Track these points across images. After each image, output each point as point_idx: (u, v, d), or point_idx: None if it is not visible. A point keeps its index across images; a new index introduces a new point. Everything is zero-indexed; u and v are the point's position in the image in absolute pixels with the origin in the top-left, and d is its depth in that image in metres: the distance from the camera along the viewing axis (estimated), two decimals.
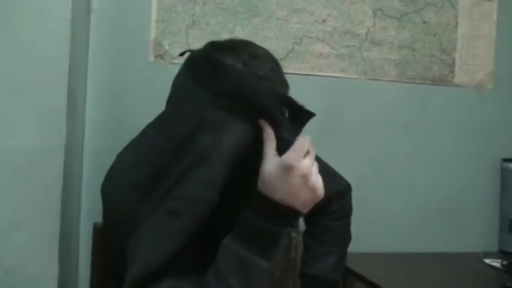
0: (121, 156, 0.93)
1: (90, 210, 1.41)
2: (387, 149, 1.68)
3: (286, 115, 0.82)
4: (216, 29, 1.53)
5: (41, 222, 1.15)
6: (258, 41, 1.51)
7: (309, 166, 0.79)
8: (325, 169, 1.21)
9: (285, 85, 0.93)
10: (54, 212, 1.16)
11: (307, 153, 0.80)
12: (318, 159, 1.19)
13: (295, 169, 0.78)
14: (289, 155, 0.78)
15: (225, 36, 1.50)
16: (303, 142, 0.79)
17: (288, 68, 1.59)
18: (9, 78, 1.12)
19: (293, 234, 0.80)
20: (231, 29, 1.54)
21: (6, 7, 1.12)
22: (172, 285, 0.78)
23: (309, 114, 0.85)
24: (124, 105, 1.46)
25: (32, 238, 1.14)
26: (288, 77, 1.54)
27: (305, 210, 0.82)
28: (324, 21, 1.61)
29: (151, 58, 1.49)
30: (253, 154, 0.80)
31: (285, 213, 0.79)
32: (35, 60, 1.14)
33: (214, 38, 0.95)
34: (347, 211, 1.27)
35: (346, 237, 1.27)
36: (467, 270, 1.52)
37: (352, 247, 1.27)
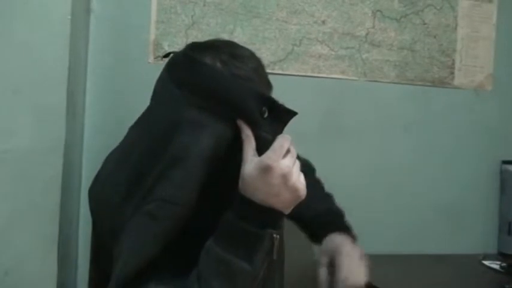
0: (107, 159, 0.93)
1: (89, 211, 1.41)
2: (386, 150, 1.68)
3: (266, 114, 0.80)
4: (216, 30, 1.53)
5: (40, 223, 1.15)
6: (257, 42, 1.55)
7: (288, 166, 0.78)
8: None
9: (268, 85, 0.91)
10: (53, 212, 1.16)
11: (288, 152, 0.79)
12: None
13: (274, 169, 0.77)
14: (268, 155, 0.77)
15: (224, 37, 1.51)
16: (282, 141, 0.79)
17: (288, 69, 1.59)
18: (8, 78, 1.12)
19: (275, 235, 0.79)
20: (231, 30, 1.54)
21: (6, 7, 1.12)
22: None
23: (291, 113, 0.83)
24: (123, 106, 1.46)
25: (30, 238, 1.14)
26: (287, 79, 1.57)
27: (287, 210, 0.81)
28: (323, 22, 1.62)
29: (150, 59, 1.49)
30: (236, 154, 0.80)
31: (266, 215, 0.78)
32: (34, 60, 1.14)
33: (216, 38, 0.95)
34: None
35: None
36: (466, 272, 1.52)
37: None
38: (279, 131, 0.81)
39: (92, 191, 0.92)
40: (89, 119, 1.45)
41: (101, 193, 0.88)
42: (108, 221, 0.83)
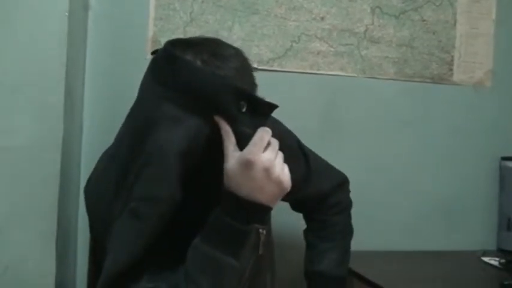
0: (101, 158, 0.94)
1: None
2: (385, 146, 1.68)
3: (244, 109, 0.80)
4: (214, 27, 1.52)
5: (39, 220, 1.15)
6: (256, 39, 1.55)
7: (270, 159, 0.78)
8: (320, 163, 1.21)
9: (252, 85, 0.89)
10: (52, 209, 1.17)
11: (268, 145, 0.79)
12: (312, 154, 1.19)
13: (255, 163, 0.77)
14: (249, 149, 0.77)
15: (223, 33, 1.51)
16: (262, 134, 0.78)
17: (286, 66, 1.59)
18: (6, 76, 1.12)
19: (261, 230, 0.79)
20: (229, 26, 1.54)
21: (4, 4, 1.12)
22: (147, 286, 0.78)
23: (271, 107, 0.83)
24: (122, 103, 1.44)
25: (29, 235, 1.15)
26: (286, 75, 1.58)
27: (273, 204, 0.81)
28: (322, 19, 1.61)
29: (149, 56, 1.48)
30: (217, 149, 0.79)
31: (252, 210, 0.78)
32: (32, 57, 1.14)
33: (213, 36, 0.94)
34: (346, 204, 1.26)
35: (348, 232, 1.25)
36: (466, 269, 1.52)
37: (351, 245, 1.27)
38: (260, 124, 0.81)
39: (86, 190, 0.93)
40: (87, 116, 1.45)
41: (94, 191, 0.89)
42: (101, 218, 0.84)
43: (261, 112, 0.82)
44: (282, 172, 0.80)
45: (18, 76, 1.13)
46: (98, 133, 1.44)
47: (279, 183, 0.79)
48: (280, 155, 0.81)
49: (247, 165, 0.77)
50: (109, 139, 0.96)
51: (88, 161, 1.42)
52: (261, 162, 0.77)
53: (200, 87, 0.78)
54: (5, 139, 1.13)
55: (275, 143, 0.80)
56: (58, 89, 1.17)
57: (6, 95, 1.13)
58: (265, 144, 0.78)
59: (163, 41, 1.48)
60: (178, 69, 0.79)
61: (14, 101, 1.13)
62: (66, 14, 1.17)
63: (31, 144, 1.14)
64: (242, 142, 0.78)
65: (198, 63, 0.81)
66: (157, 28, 1.49)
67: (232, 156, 0.78)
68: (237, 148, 0.79)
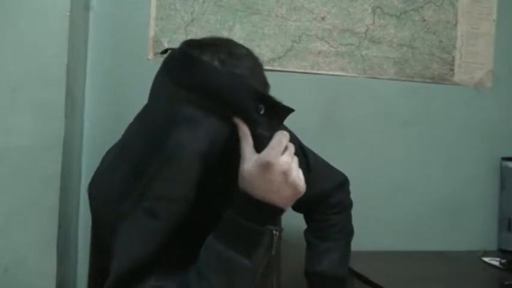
0: (106, 155, 0.94)
1: (88, 207, 1.40)
2: (386, 147, 1.68)
3: (262, 111, 0.80)
4: (216, 27, 1.52)
5: (40, 219, 1.15)
6: (257, 38, 1.55)
7: (288, 162, 0.78)
8: (320, 164, 1.22)
9: (265, 85, 0.90)
10: (53, 209, 1.16)
11: (286, 148, 0.79)
12: (313, 154, 1.20)
13: (274, 166, 0.77)
14: (267, 152, 0.78)
15: (224, 33, 1.51)
16: (280, 138, 0.79)
17: (287, 66, 1.59)
18: (7, 75, 1.12)
19: (274, 231, 0.80)
20: (230, 26, 1.54)
21: (4, 4, 1.12)
22: (156, 284, 0.78)
23: (287, 110, 0.83)
24: (123, 103, 1.46)
25: (30, 235, 1.15)
26: (286, 75, 1.58)
27: (287, 206, 0.81)
28: (323, 19, 1.61)
29: (150, 56, 1.49)
30: (234, 151, 0.80)
31: (266, 211, 0.78)
32: (33, 57, 1.14)
33: (214, 36, 0.94)
34: (346, 204, 1.26)
35: (348, 231, 1.26)
36: (466, 269, 1.52)
37: (351, 245, 1.27)
38: (276, 127, 0.81)
39: (90, 187, 0.92)
40: (88, 116, 1.45)
41: (100, 189, 0.88)
42: (106, 217, 0.84)
43: (278, 115, 0.82)
44: (298, 176, 0.80)
45: (19, 76, 1.13)
46: (99, 132, 1.44)
47: (295, 186, 0.80)
48: (296, 159, 0.81)
49: (266, 167, 0.77)
50: (110, 138, 0.96)
51: (89, 161, 1.42)
52: (279, 166, 0.77)
53: (218, 88, 0.78)
54: (5, 139, 1.13)
55: (291, 147, 0.81)
56: (59, 89, 1.17)
57: (7, 94, 1.13)
58: (283, 147, 0.79)
59: (164, 41, 1.49)
60: (196, 70, 0.79)
61: (15, 100, 1.13)
62: (68, 13, 1.17)
63: (32, 144, 1.14)
64: (259, 144, 0.79)
65: (216, 63, 0.81)
66: (158, 28, 1.49)
67: (250, 158, 0.78)
68: (254, 150, 0.79)
